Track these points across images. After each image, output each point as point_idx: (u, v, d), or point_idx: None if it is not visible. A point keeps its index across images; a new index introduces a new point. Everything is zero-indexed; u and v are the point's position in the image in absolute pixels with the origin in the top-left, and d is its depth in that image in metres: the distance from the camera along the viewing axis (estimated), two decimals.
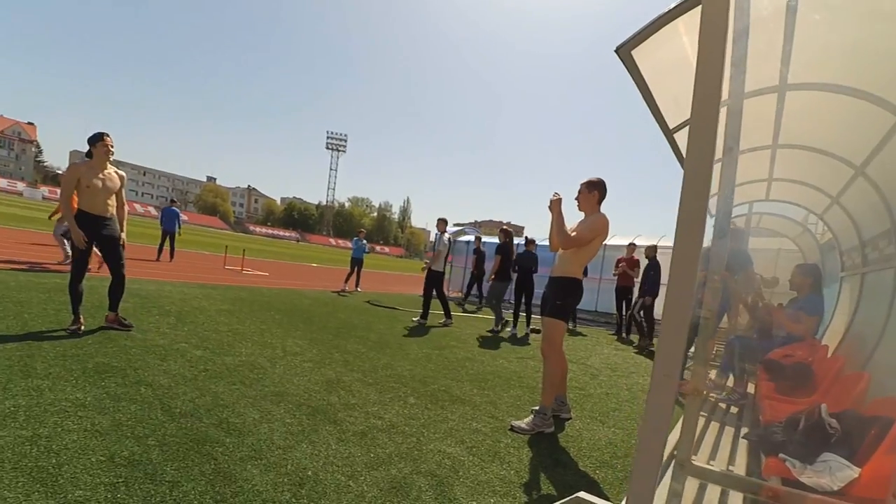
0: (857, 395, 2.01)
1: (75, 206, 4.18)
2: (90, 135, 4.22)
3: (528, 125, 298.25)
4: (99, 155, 4.22)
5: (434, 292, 8.01)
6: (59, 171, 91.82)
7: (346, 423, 2.95)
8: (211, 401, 3.01)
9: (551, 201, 3.43)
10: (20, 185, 72.26)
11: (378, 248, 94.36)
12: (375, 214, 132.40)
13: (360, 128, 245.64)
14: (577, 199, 3.54)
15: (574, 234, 3.36)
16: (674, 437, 3.28)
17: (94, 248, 4.38)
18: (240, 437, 2.55)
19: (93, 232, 4.20)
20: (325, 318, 7.12)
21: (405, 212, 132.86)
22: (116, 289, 4.47)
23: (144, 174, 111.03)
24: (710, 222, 1.35)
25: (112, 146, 4.28)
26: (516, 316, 8.37)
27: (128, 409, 2.71)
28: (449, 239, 8.04)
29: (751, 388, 4.20)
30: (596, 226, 3.34)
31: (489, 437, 3.02)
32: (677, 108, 2.80)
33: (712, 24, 1.22)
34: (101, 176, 4.21)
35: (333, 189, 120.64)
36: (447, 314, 8.09)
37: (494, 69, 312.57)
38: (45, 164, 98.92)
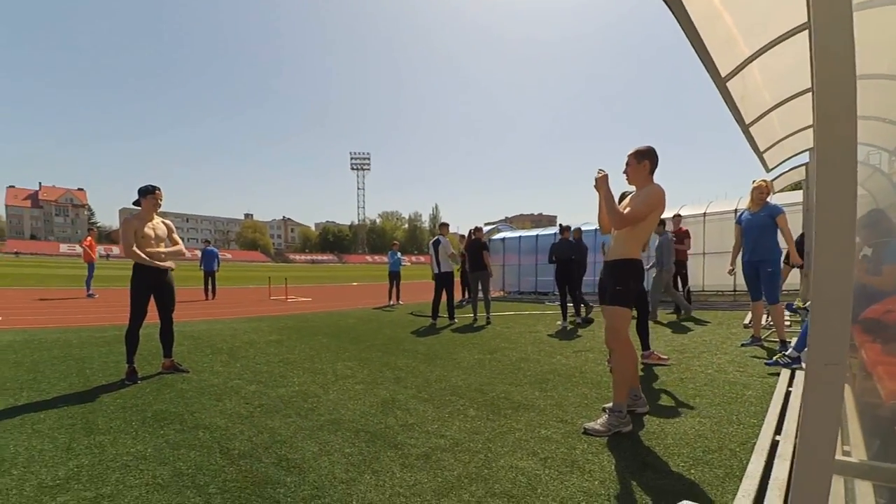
0: None
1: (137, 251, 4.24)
2: (141, 186, 4.34)
3: (546, 113, 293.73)
4: (147, 207, 4.34)
5: (444, 293, 8.64)
6: (114, 230, 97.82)
7: (408, 447, 2.78)
8: (268, 438, 2.92)
9: (596, 179, 3.13)
10: (79, 248, 77.10)
11: (413, 258, 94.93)
12: (406, 226, 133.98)
13: (382, 143, 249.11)
14: (625, 172, 3.22)
15: (627, 210, 3.05)
16: (772, 420, 2.94)
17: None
18: (300, 474, 2.42)
19: (151, 283, 4.31)
20: (371, 335, 7.04)
21: (435, 219, 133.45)
22: (167, 334, 4.56)
23: (187, 220, 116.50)
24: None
25: (161, 199, 4.40)
26: (564, 308, 8.03)
27: (187, 456, 2.64)
28: (433, 242, 8.80)
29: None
30: (651, 199, 3.01)
31: (562, 445, 2.77)
32: (730, 51, 2.49)
33: None
34: (150, 226, 4.32)
35: (363, 208, 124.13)
36: (449, 314, 8.73)
37: (505, 63, 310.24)
38: (99, 225, 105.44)
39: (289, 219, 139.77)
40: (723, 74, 2.83)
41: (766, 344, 5.52)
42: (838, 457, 1.10)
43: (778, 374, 4.02)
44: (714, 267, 11.74)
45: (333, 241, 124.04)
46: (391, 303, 12.23)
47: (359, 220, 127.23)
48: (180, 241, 4.67)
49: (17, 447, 2.71)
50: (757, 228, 5.24)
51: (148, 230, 4.27)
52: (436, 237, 8.85)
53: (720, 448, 2.67)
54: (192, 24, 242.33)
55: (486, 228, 17.26)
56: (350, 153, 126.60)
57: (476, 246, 8.77)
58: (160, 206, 4.40)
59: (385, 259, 13.36)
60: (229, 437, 2.94)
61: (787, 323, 7.06)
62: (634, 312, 3.97)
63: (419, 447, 2.77)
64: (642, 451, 2.67)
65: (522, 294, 15.95)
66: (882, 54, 2.69)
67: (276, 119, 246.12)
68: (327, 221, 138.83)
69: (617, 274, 3.11)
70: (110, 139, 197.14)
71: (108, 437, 2.90)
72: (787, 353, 4.27)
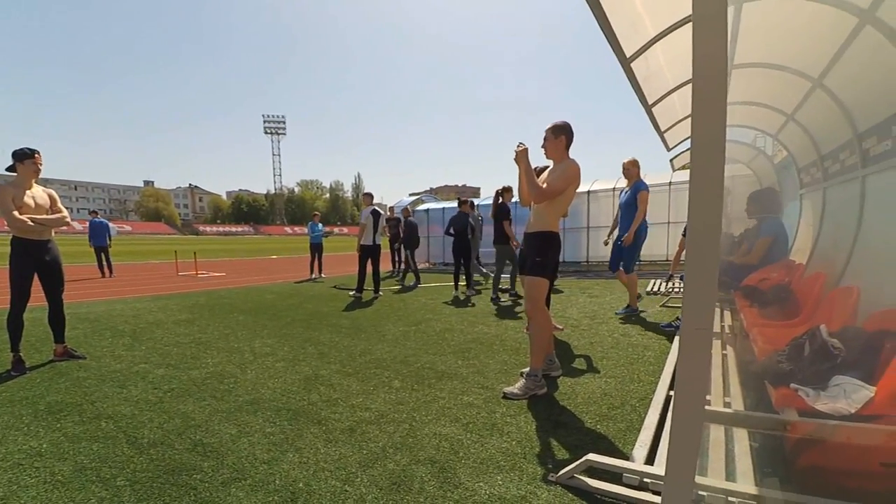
0: (849, 310, 1.99)
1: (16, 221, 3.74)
2: (15, 150, 3.83)
3: (467, 83, 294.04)
4: (27, 174, 3.84)
5: (369, 266, 8.37)
6: None
7: (332, 422, 2.77)
8: (181, 423, 2.76)
9: (516, 153, 3.21)
10: None
11: (336, 229, 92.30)
12: (328, 196, 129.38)
13: (298, 108, 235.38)
14: (543, 146, 3.31)
15: (545, 185, 3.17)
16: (666, 378, 3.30)
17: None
18: (218, 458, 2.33)
19: (35, 258, 3.86)
20: (292, 311, 6.81)
21: (358, 188, 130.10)
22: (57, 317, 4.13)
23: (76, 188, 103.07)
24: None
25: (41, 164, 3.91)
26: (457, 279, 8.42)
27: (89, 449, 2.44)
28: (373, 212, 8.26)
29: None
30: (568, 173, 3.12)
31: (483, 410, 2.92)
32: (635, 33, 2.62)
33: None
34: (29, 195, 3.82)
35: (280, 175, 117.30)
36: (375, 287, 8.49)
37: (426, 25, 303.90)
38: None
39: (196, 186, 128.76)
40: (627, 55, 2.99)
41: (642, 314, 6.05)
42: (709, 407, 1.27)
43: (673, 337, 4.49)
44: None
45: (248, 211, 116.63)
46: (314, 276, 11.85)
47: (276, 189, 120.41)
48: (64, 210, 4.13)
49: None
50: (623, 205, 5.82)
51: (27, 199, 3.78)
52: (371, 207, 8.32)
53: (623, 404, 2.95)
54: None
55: (409, 199, 17.15)
56: (263, 115, 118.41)
57: (503, 212, 7.42)
58: (40, 171, 3.91)
59: (306, 231, 12.77)
60: (136, 425, 2.74)
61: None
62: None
63: (344, 421, 2.77)
64: (556, 410, 2.88)
65: (448, 265, 16.22)
66: (773, 44, 2.98)
67: (179, 78, 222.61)
68: (240, 190, 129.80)
69: (536, 245, 3.24)
70: None
71: None
72: (680, 318, 4.77)
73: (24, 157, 3.82)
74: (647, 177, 13.01)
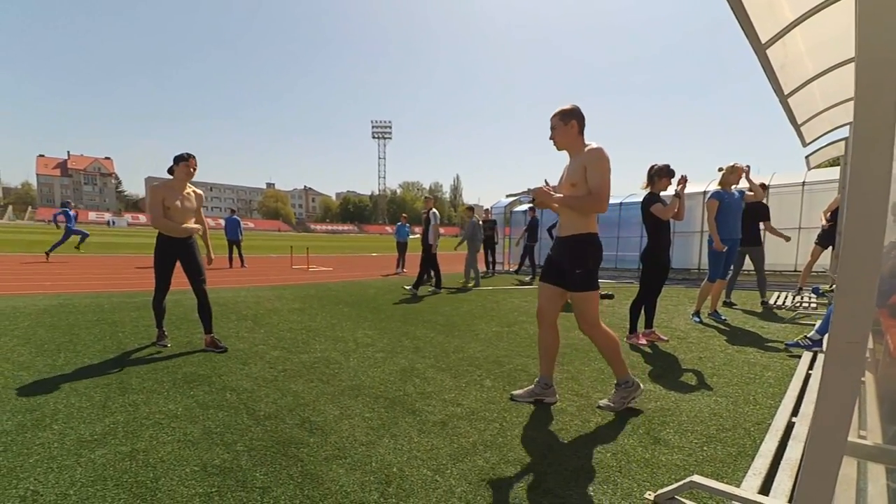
0: None
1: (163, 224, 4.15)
2: (177, 154, 4.23)
3: (573, 81, 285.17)
4: (180, 176, 4.22)
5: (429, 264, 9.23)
6: (140, 198, 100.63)
7: (425, 413, 2.87)
8: (292, 401, 3.04)
9: (534, 197, 2.88)
10: (107, 216, 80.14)
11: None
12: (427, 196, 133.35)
13: (404, 113, 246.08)
14: (552, 138, 2.94)
15: (590, 192, 2.74)
16: (789, 403, 2.93)
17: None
18: (323, 435, 2.53)
19: (175, 253, 4.24)
20: (390, 305, 7.17)
21: (456, 190, 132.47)
22: (203, 308, 4.41)
23: (211, 189, 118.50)
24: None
25: (195, 167, 4.27)
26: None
27: (216, 416, 2.79)
28: (434, 214, 9.15)
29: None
30: (602, 164, 2.71)
31: (577, 418, 2.83)
32: (773, 15, 2.36)
33: None
34: (181, 196, 4.22)
35: (384, 178, 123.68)
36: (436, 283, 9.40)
37: (531, 28, 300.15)
38: (126, 193, 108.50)
39: (310, 188, 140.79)
40: (763, 41, 2.67)
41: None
42: (852, 438, 1.10)
43: (799, 357, 3.97)
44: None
45: (354, 210, 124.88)
46: (398, 271, 13.42)
47: (379, 191, 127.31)
48: (203, 220, 4.54)
49: (57, 404, 2.88)
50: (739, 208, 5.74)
51: (177, 202, 4.17)
52: (431, 210, 9.21)
53: (734, 427, 2.68)
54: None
55: (507, 201, 17.07)
56: (371, 121, 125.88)
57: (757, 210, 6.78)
58: (192, 174, 4.29)
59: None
60: (255, 399, 3.07)
61: (814, 305, 6.91)
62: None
63: (436, 414, 2.86)
64: (657, 426, 2.70)
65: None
66: None
67: (298, 88, 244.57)
68: (348, 191, 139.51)
69: (574, 254, 2.89)
70: (133, 107, 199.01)
71: (142, 397, 3.06)
72: (808, 336, 4.20)
73: (180, 161, 4.20)
74: (776, 176, 11.69)
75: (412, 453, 2.36)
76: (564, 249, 2.93)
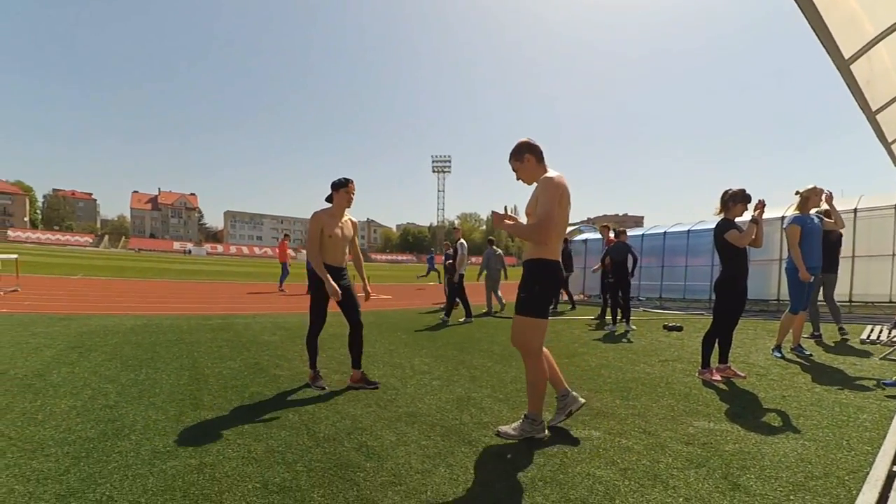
0: None
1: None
2: (334, 180, 3.92)
3: (631, 109, 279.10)
4: (340, 202, 3.91)
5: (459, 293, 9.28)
6: (219, 230, 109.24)
7: (482, 444, 2.80)
8: (350, 424, 3.08)
9: (496, 223, 3.00)
10: (189, 245, 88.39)
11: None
12: (484, 227, 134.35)
13: (462, 145, 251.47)
14: (518, 179, 3.09)
15: (534, 220, 2.81)
16: (890, 449, 2.57)
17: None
18: (379, 461, 2.53)
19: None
20: (447, 334, 7.16)
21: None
22: (356, 340, 4.04)
23: (282, 221, 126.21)
24: None
25: (353, 192, 3.95)
26: (614, 312, 8.12)
27: (278, 434, 2.88)
28: (461, 244, 9.28)
29: None
30: (549, 191, 2.76)
31: (645, 457, 2.63)
32: (855, 30, 2.22)
33: None
34: (340, 224, 3.95)
35: (443, 209, 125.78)
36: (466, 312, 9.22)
37: (582, 63, 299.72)
38: (207, 225, 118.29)
39: (372, 220, 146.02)
40: (846, 56, 2.50)
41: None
42: None
43: None
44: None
45: (413, 241, 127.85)
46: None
47: (438, 222, 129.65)
48: (359, 250, 4.40)
49: (136, 416, 3.11)
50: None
51: (336, 229, 3.88)
52: (458, 240, 9.36)
53: (826, 475, 2.38)
54: (282, 29, 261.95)
55: (568, 229, 16.80)
56: (431, 156, 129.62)
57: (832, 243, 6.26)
58: (352, 200, 3.95)
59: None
60: (315, 420, 3.15)
61: None
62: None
63: (493, 445, 2.78)
64: (735, 470, 2.45)
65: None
66: None
67: (365, 124, 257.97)
68: (408, 223, 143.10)
69: (524, 278, 2.95)
70: (216, 143, 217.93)
71: (212, 413, 3.24)
72: None
73: (340, 187, 3.87)
74: (864, 198, 10.64)
75: (468, 484, 2.29)
76: (524, 272, 3.00)
